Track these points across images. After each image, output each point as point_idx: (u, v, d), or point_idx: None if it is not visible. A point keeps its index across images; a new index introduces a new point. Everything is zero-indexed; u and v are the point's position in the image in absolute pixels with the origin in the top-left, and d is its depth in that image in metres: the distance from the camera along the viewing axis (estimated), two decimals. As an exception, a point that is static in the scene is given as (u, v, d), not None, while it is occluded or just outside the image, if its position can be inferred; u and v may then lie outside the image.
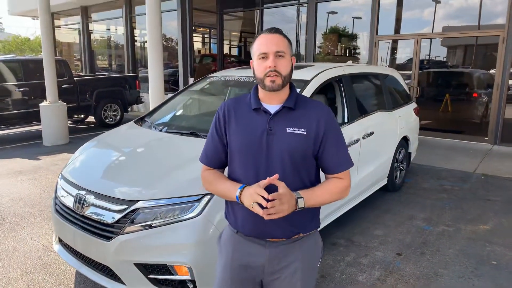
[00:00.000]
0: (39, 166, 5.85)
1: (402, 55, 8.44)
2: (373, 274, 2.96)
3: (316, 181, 1.49)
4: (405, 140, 4.86)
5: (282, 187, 1.30)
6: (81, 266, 2.51)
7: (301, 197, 1.35)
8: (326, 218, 3.30)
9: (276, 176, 1.30)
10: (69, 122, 9.39)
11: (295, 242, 1.48)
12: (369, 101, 4.24)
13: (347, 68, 3.86)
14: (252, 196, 1.29)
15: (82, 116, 9.62)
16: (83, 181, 2.56)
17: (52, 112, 7.30)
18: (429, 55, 8.13)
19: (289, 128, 1.40)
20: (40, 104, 7.37)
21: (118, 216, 2.25)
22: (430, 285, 2.82)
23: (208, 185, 1.53)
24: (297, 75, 3.37)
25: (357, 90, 3.98)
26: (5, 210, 4.15)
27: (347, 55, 9.44)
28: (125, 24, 12.51)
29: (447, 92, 7.92)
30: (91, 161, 2.87)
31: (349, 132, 3.53)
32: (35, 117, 7.87)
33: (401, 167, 4.91)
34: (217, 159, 1.53)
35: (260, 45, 1.39)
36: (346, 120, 3.62)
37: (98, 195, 2.38)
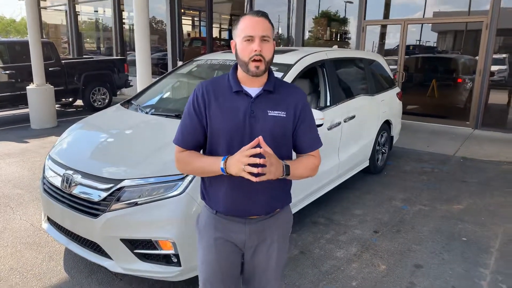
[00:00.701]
0: (27, 149, 5.87)
1: (392, 41, 8.52)
2: (350, 250, 3.12)
3: (291, 158, 1.57)
4: (387, 124, 5.00)
5: (269, 148, 1.34)
6: (69, 242, 2.61)
7: (288, 165, 1.42)
8: (307, 197, 3.44)
9: (260, 138, 1.33)
10: (57, 105, 9.34)
11: (271, 217, 1.58)
12: (352, 85, 4.35)
13: (330, 53, 3.94)
14: (241, 161, 1.31)
15: (70, 99, 9.57)
16: (70, 161, 2.64)
17: (39, 95, 7.27)
18: (420, 40, 8.21)
19: (270, 111, 1.45)
20: (27, 87, 7.32)
21: (104, 194, 2.35)
22: (403, 259, 3.00)
23: (185, 165, 1.51)
24: (280, 59, 3.46)
25: (340, 75, 4.08)
26: (-6, 191, 4.21)
27: (337, 40, 9.48)
28: (113, 6, 12.32)
29: (433, 77, 8.05)
30: (78, 142, 2.94)
31: (331, 115, 3.64)
32: (22, 100, 7.82)
33: (383, 150, 5.06)
34: (195, 141, 1.51)
35: (246, 27, 1.39)
36: (328, 103, 3.72)
37: (85, 175, 2.47)
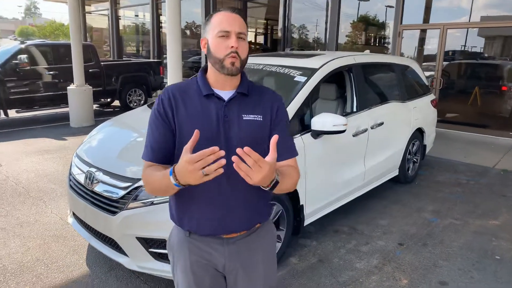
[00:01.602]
0: (65, 146, 6.16)
1: (434, 46, 8.13)
2: (371, 262, 3.00)
3: None
4: (419, 132, 4.79)
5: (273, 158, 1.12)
6: (90, 238, 2.69)
7: (277, 181, 1.19)
8: (329, 205, 3.36)
9: (196, 132, 1.12)
10: (96, 105, 9.76)
11: (251, 234, 1.41)
12: (381, 91, 4.21)
13: (359, 58, 3.84)
14: (193, 166, 1.05)
15: (108, 100, 9.96)
16: (94, 159, 2.74)
17: (78, 95, 7.63)
18: (465, 46, 7.80)
19: (245, 115, 1.32)
20: (68, 87, 7.71)
21: (122, 192, 2.41)
22: (427, 275, 2.84)
23: (146, 185, 1.29)
24: (305, 63, 3.41)
25: (369, 80, 3.96)
26: (30, 185, 4.45)
27: (374, 44, 9.25)
28: (151, 11, 12.73)
29: (475, 84, 7.64)
30: (103, 140, 3.05)
31: (357, 121, 3.54)
32: (63, 100, 8.24)
33: (415, 159, 4.85)
34: (166, 151, 1.32)
35: (221, 22, 1.27)
36: (355, 109, 3.62)
37: (106, 172, 2.55)
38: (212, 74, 1.34)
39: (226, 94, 1.33)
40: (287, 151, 1.40)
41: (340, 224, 3.63)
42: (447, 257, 3.09)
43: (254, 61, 3.78)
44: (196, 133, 1.11)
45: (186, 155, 1.07)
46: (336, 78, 4.03)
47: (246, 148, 1.05)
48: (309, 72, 3.24)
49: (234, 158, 1.05)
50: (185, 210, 1.35)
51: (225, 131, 1.29)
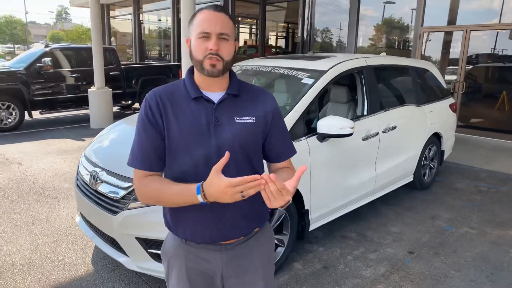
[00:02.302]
0: (83, 147, 6.32)
1: (457, 49, 7.84)
2: (378, 270, 2.91)
3: (263, 171, 1.38)
4: (437, 137, 4.63)
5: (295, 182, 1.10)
6: (94, 236, 2.73)
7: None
8: (337, 210, 3.28)
9: (227, 155, 1.11)
10: (117, 107, 9.98)
11: (249, 239, 1.37)
12: (395, 94, 4.10)
13: (371, 60, 3.75)
14: (235, 189, 1.06)
15: (129, 102, 10.16)
16: (99, 159, 2.78)
17: (99, 97, 7.83)
18: (495, 49, 7.50)
19: (237, 118, 1.27)
20: (89, 90, 7.92)
21: (123, 192, 2.42)
22: (436, 285, 2.72)
23: (149, 198, 1.25)
24: (314, 65, 3.36)
25: (381, 83, 3.86)
26: (46, 184, 4.57)
27: (396, 47, 9.03)
28: (172, 15, 12.94)
29: (502, 88, 7.32)
30: (110, 140, 3.09)
31: (367, 125, 3.45)
32: (85, 102, 8.47)
33: (432, 165, 4.69)
34: (159, 158, 1.27)
35: (202, 22, 1.21)
36: (365, 112, 3.53)
37: (109, 173, 2.57)
38: (198, 76, 1.29)
39: (215, 96, 1.28)
40: (288, 150, 1.40)
41: (349, 230, 3.54)
42: (460, 267, 2.96)
43: (263, 63, 3.76)
44: (227, 154, 1.10)
45: (219, 177, 1.07)
46: (348, 80, 3.96)
47: (272, 175, 1.03)
48: (317, 74, 3.19)
49: (263, 181, 1.04)
50: (180, 217, 1.31)
51: (216, 135, 1.24)
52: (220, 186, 1.07)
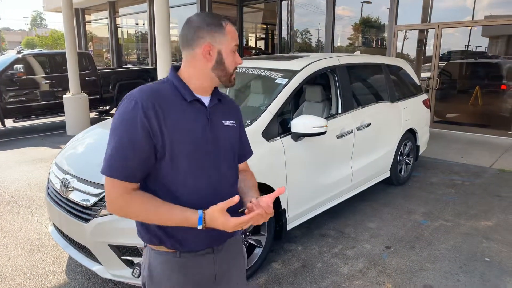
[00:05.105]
0: (59, 154, 6.17)
1: (431, 47, 8.04)
2: (356, 266, 2.93)
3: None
4: (411, 133, 4.72)
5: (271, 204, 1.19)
6: (67, 246, 2.66)
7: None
8: (314, 208, 3.30)
9: (237, 198, 1.12)
10: (95, 113, 9.80)
11: (230, 238, 1.39)
12: (368, 92, 4.15)
13: (344, 59, 3.79)
14: (238, 225, 1.13)
15: (107, 107, 9.99)
16: (69, 166, 2.71)
17: (74, 103, 7.66)
18: (468, 45, 7.68)
19: (225, 121, 1.32)
20: (64, 96, 7.74)
21: (95, 199, 2.37)
22: (412, 278, 2.77)
23: (138, 217, 1.18)
24: (287, 65, 3.38)
25: (355, 81, 3.91)
26: (19, 194, 4.44)
27: (375, 46, 9.18)
28: (149, 19, 12.81)
29: (474, 84, 7.53)
30: (81, 147, 3.02)
31: (342, 122, 3.49)
32: (60, 108, 8.28)
33: (407, 161, 4.77)
34: (145, 170, 1.18)
35: (234, 34, 1.25)
36: (340, 110, 3.57)
37: (80, 179, 2.52)
38: (197, 80, 1.25)
39: (205, 100, 1.28)
40: (249, 149, 1.50)
41: (327, 227, 3.57)
42: (435, 259, 3.01)
43: (246, 64, 3.74)
44: (236, 197, 1.12)
45: (226, 217, 1.13)
46: (322, 80, 3.99)
47: (263, 205, 1.18)
48: (290, 74, 3.20)
49: (263, 212, 1.16)
50: (177, 232, 1.23)
51: (213, 139, 1.26)
52: (228, 224, 1.14)
